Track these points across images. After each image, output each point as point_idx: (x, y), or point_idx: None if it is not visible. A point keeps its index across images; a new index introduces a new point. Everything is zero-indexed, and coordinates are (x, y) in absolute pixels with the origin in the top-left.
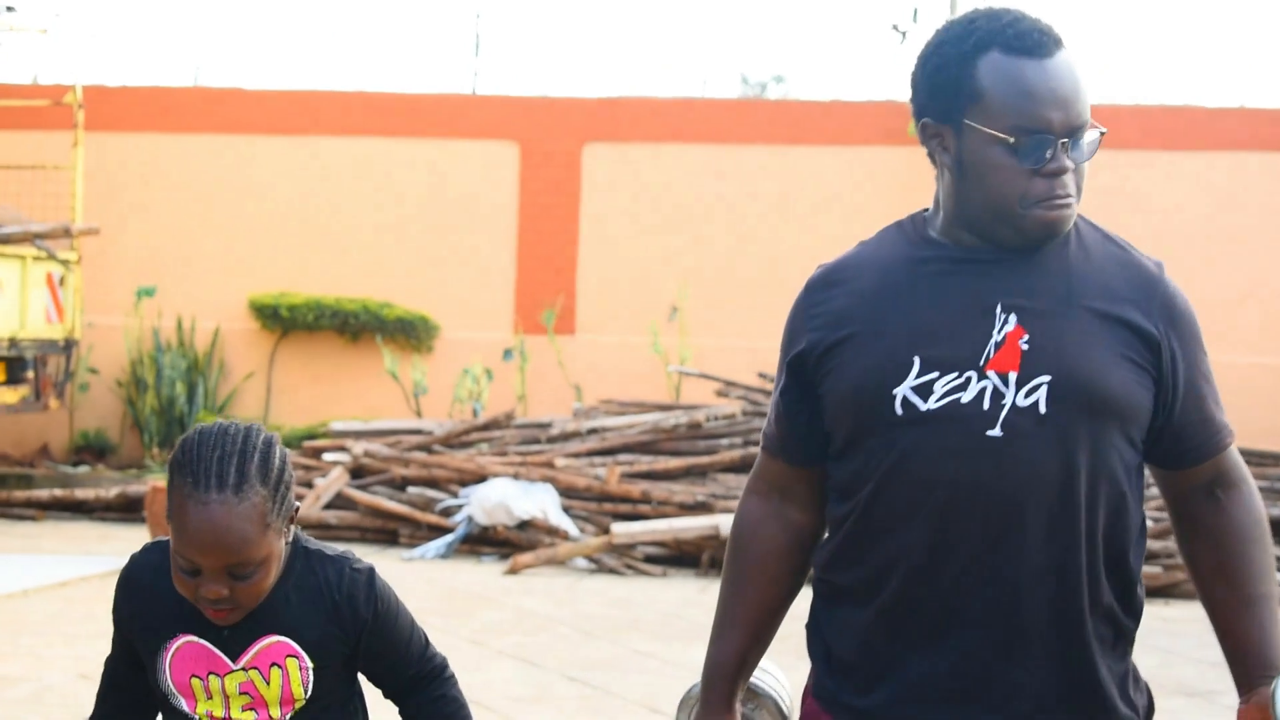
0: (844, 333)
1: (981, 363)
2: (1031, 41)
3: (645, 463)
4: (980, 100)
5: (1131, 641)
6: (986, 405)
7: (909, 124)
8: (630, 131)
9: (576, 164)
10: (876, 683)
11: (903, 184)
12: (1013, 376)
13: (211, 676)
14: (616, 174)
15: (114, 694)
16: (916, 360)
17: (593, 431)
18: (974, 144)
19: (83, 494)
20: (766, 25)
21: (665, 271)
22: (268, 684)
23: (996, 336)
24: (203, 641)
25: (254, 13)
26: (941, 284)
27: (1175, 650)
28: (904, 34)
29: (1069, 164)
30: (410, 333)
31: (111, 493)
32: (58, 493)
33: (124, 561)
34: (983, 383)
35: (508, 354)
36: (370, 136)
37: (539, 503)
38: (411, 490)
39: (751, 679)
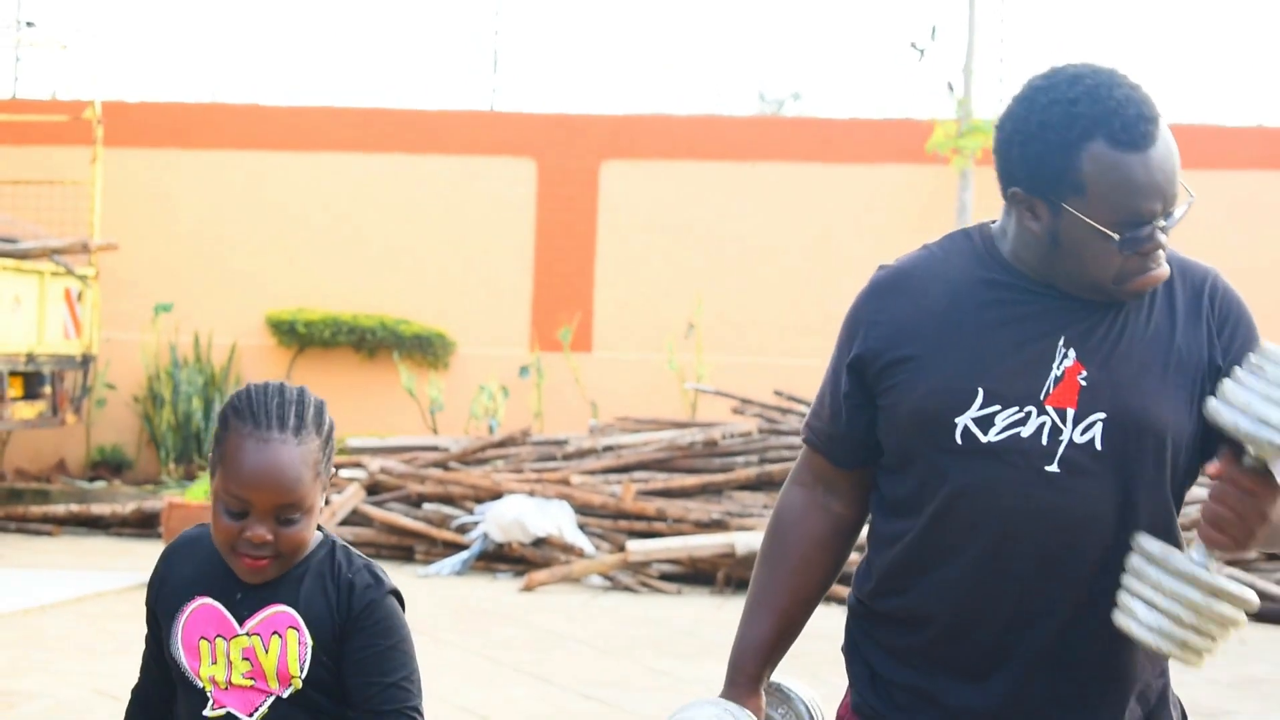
0: (908, 351)
1: (1041, 397)
2: (1137, 134)
3: (661, 480)
4: (1083, 193)
5: (1162, 679)
6: (1045, 441)
7: (927, 142)
8: (648, 149)
9: (594, 181)
10: (925, 705)
11: (921, 202)
12: (1070, 413)
13: (219, 640)
14: (634, 191)
15: (155, 667)
16: (980, 391)
17: (608, 449)
18: (1072, 228)
19: (99, 509)
20: (784, 42)
21: (682, 289)
22: (266, 652)
23: (1056, 371)
24: (216, 604)
25: (272, 29)
26: (1005, 311)
27: (1188, 670)
28: (922, 51)
29: (1164, 239)
30: (427, 349)
31: (128, 508)
32: (74, 508)
33: (141, 577)
34: (1042, 418)
35: (524, 371)
36: (388, 153)
37: (554, 520)
38: (427, 507)
39: (783, 683)
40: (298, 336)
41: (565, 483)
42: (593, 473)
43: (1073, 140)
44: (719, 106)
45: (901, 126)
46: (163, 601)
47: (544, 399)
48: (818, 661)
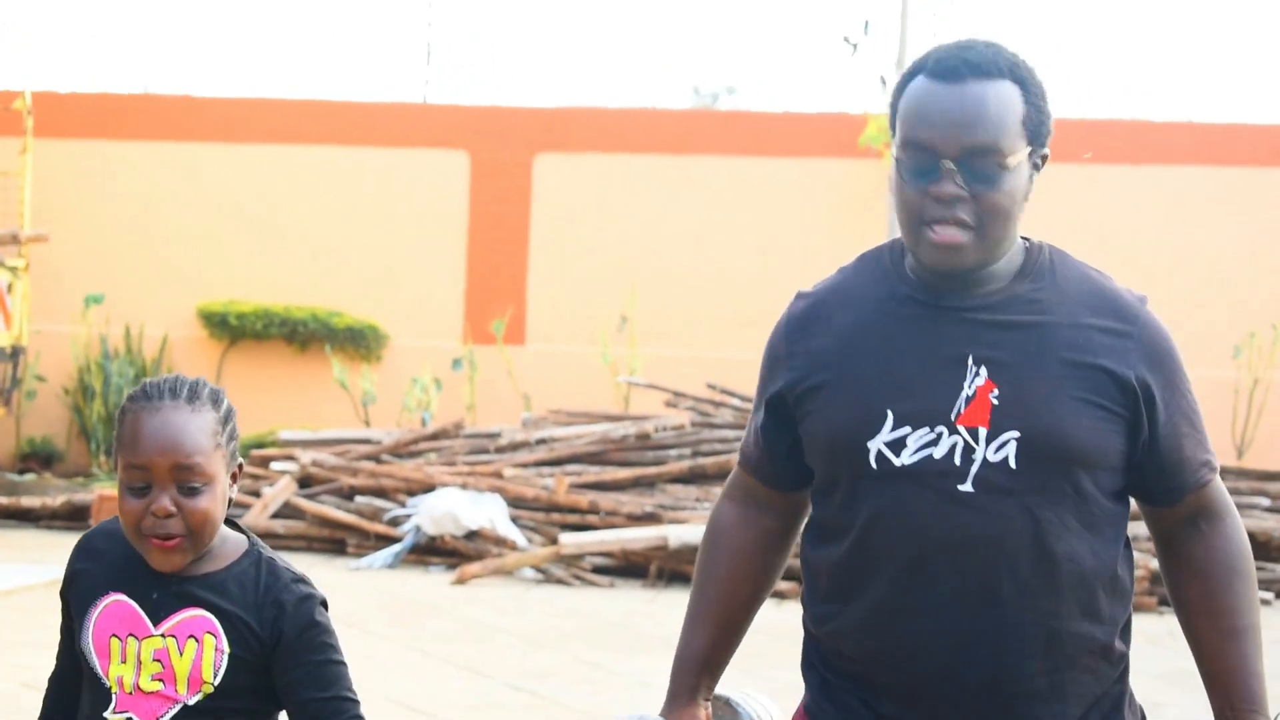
0: (820, 378)
1: (953, 417)
2: (947, 68)
3: (593, 473)
4: (896, 123)
5: (1121, 686)
6: (958, 461)
7: (860, 136)
8: (581, 142)
9: (527, 174)
10: (865, 714)
11: (854, 196)
12: (983, 432)
13: (130, 639)
14: (567, 184)
15: (68, 656)
16: (890, 414)
17: (541, 442)
18: (894, 166)
19: (29, 502)
20: (718, 36)
21: (615, 282)
22: (180, 655)
23: (967, 390)
24: (130, 602)
25: (204, 21)
26: (914, 330)
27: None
28: (855, 46)
29: (955, 189)
30: (359, 342)
31: (58, 501)
32: (3, 501)
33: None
34: (954, 438)
35: (457, 364)
36: (320, 145)
37: (487, 513)
38: (359, 500)
39: (733, 696)
40: (229, 328)
41: (498, 475)
42: (525, 466)
43: (905, 79)
44: (653, 100)
45: (835, 121)
46: (76, 595)
47: (477, 392)
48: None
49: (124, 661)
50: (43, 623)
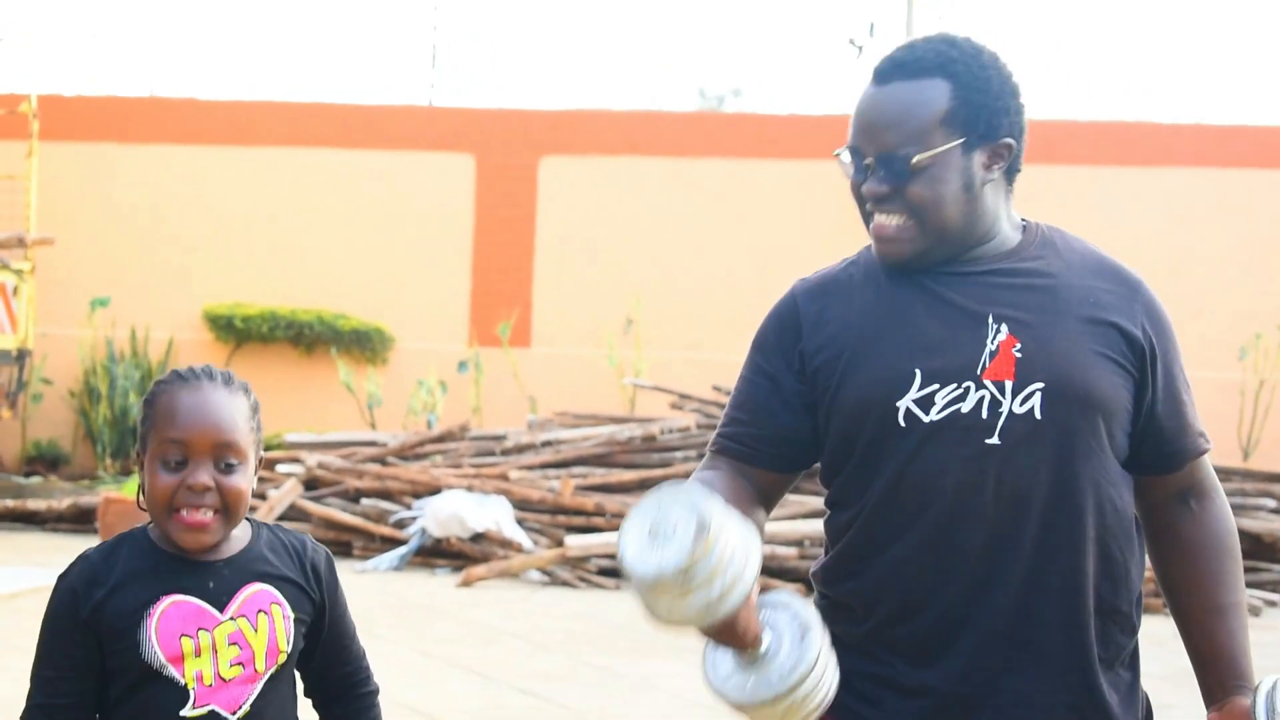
0: (845, 346)
1: (979, 372)
2: (879, 69)
3: (599, 475)
4: None
5: (1134, 652)
6: (985, 414)
7: None
8: (587, 144)
9: (533, 177)
10: (885, 691)
11: None
12: (1008, 385)
13: (201, 633)
14: (573, 187)
15: (74, 682)
16: (918, 372)
17: (547, 444)
18: None
19: (35, 505)
20: (724, 39)
21: (621, 284)
22: (256, 631)
23: (990, 346)
24: (189, 598)
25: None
26: (933, 294)
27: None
28: (860, 48)
29: (878, 186)
30: (365, 344)
31: (64, 504)
32: (9, 503)
33: None
34: (980, 392)
35: (463, 366)
36: (326, 148)
37: (493, 515)
38: (365, 502)
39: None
40: (235, 331)
41: (504, 478)
42: (531, 468)
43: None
44: (659, 102)
45: (841, 123)
46: (114, 621)
47: (482, 394)
48: None
49: (199, 655)
50: None
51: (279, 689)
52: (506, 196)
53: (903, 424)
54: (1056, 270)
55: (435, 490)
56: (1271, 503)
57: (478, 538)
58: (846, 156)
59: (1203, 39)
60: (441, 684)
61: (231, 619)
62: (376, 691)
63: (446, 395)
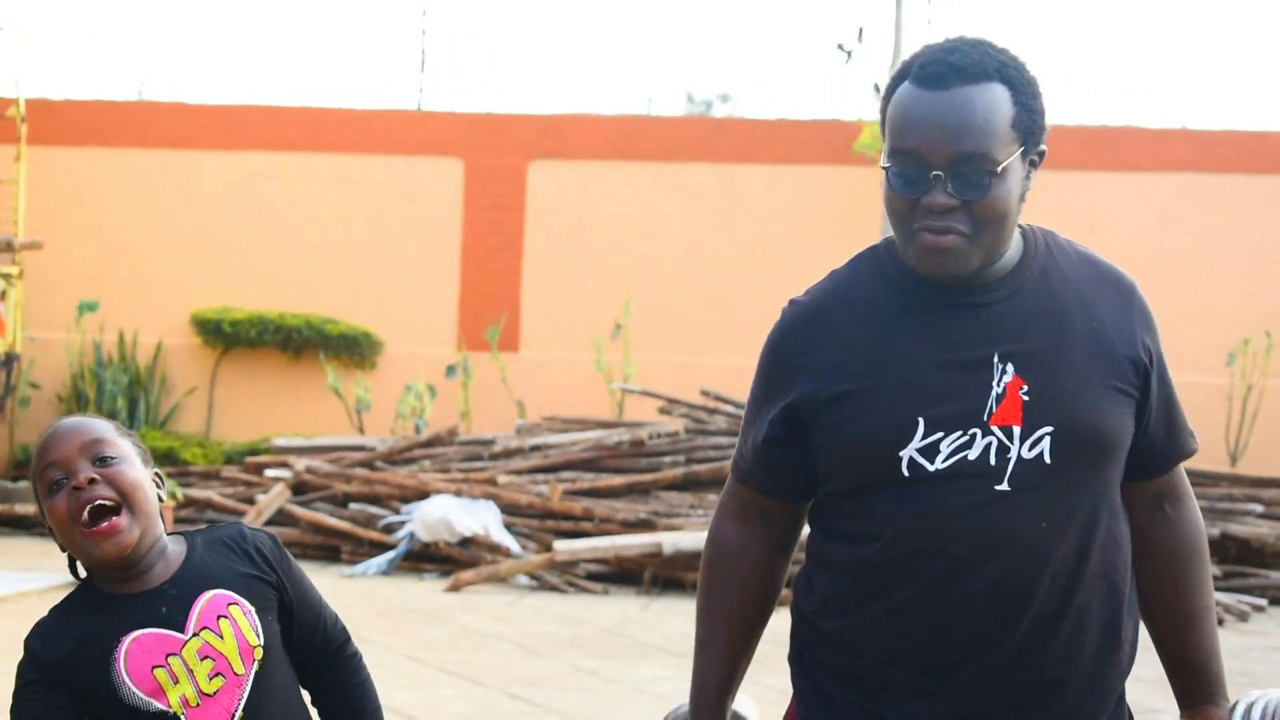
0: (841, 388)
1: (985, 418)
2: (932, 73)
3: (588, 480)
4: (885, 131)
5: (1122, 683)
6: (994, 461)
7: (854, 143)
8: (575, 149)
9: (521, 181)
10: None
11: (848, 203)
12: (1016, 430)
13: (171, 659)
14: (561, 191)
15: None
16: (921, 421)
17: (535, 449)
18: (883, 175)
19: (23, 509)
20: (712, 44)
21: (609, 289)
22: (221, 638)
23: (997, 389)
24: (147, 630)
25: (199, 27)
26: (934, 332)
27: None
28: (849, 53)
29: (945, 199)
30: (353, 349)
31: None
32: None
33: (65, 577)
34: (988, 438)
35: (450, 371)
36: (314, 152)
37: (481, 520)
38: (353, 507)
39: (738, 710)
40: (223, 336)
41: (492, 483)
42: (519, 472)
43: (891, 85)
44: (647, 107)
45: (829, 127)
46: (81, 666)
47: (471, 399)
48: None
49: (177, 682)
50: None
51: (271, 680)
52: (495, 201)
53: (906, 474)
54: (1059, 289)
55: (423, 495)
56: (1259, 508)
57: (466, 542)
58: (899, 167)
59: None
60: (431, 689)
61: (195, 635)
62: (359, 654)
63: (435, 400)
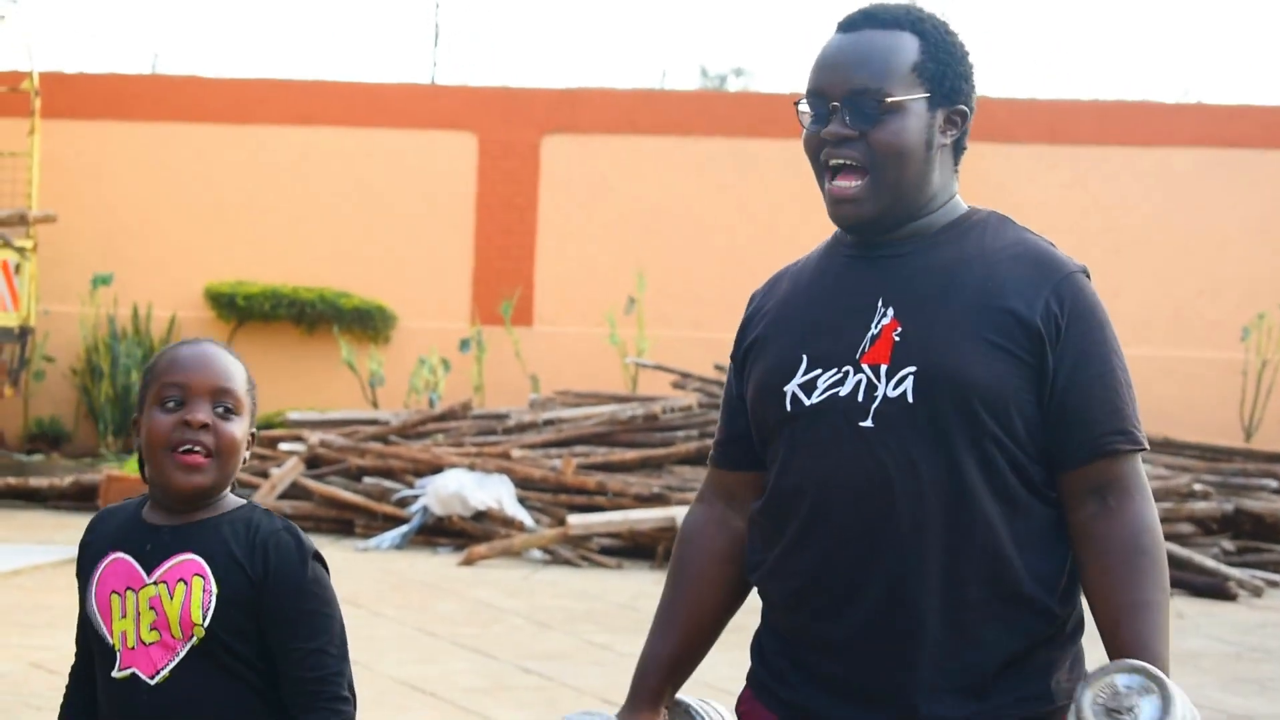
0: (756, 334)
1: (857, 356)
2: (849, 20)
3: (601, 454)
4: None
5: (1054, 638)
6: (860, 397)
7: None
8: (589, 123)
9: (535, 155)
10: (791, 674)
11: None
12: (883, 368)
13: (129, 592)
14: (575, 165)
15: (84, 639)
16: (804, 358)
17: (549, 423)
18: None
19: (37, 482)
20: (726, 18)
21: (623, 263)
22: (171, 599)
23: (873, 330)
24: (127, 557)
25: (212, 1)
26: (836, 281)
27: None
28: None
29: (841, 129)
30: (367, 323)
31: (66, 481)
32: (11, 481)
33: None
34: (858, 376)
35: (464, 345)
36: (329, 126)
37: (494, 494)
38: (367, 480)
39: (692, 703)
40: (237, 309)
41: (505, 457)
42: (533, 447)
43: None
44: (661, 81)
45: None
46: (83, 565)
47: (485, 373)
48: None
49: (124, 616)
50: (51, 603)
51: (208, 666)
52: (509, 175)
53: (789, 408)
54: (969, 255)
55: (437, 469)
56: (1273, 483)
57: (479, 516)
58: (806, 105)
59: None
60: (444, 662)
61: (154, 584)
62: (347, 709)
63: (449, 374)
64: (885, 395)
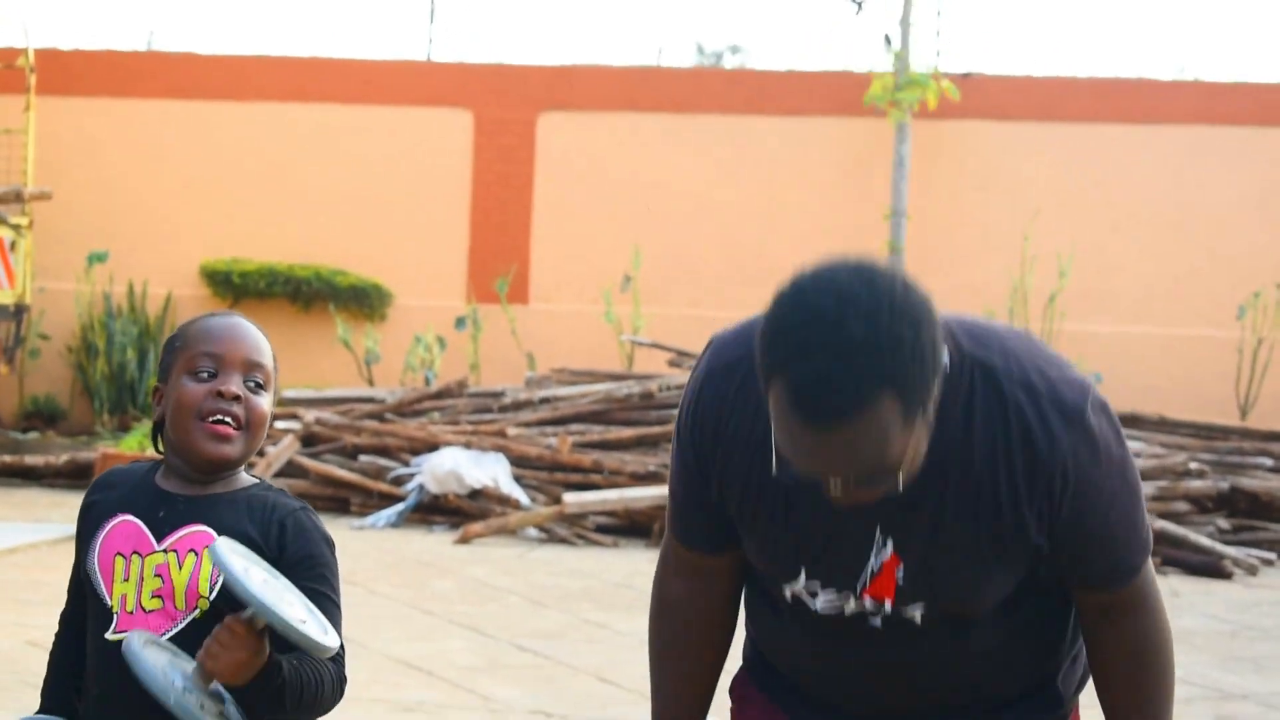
0: (739, 507)
1: (859, 587)
2: (814, 409)
3: (597, 432)
4: (770, 405)
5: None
6: (867, 615)
7: (865, 95)
8: (585, 100)
9: (531, 132)
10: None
11: (858, 154)
12: (888, 603)
13: (135, 556)
14: (571, 142)
15: (78, 593)
16: (803, 570)
17: (545, 401)
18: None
19: (32, 460)
20: None
21: (619, 241)
22: (180, 569)
23: (873, 563)
24: (137, 521)
25: None
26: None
27: None
28: (860, 5)
29: (847, 492)
30: (363, 300)
31: (61, 459)
32: (7, 459)
33: (73, 529)
34: (861, 603)
35: (460, 322)
36: (324, 103)
37: (490, 472)
38: (363, 459)
39: None
40: (233, 287)
41: (501, 435)
42: (529, 425)
43: (766, 376)
44: (658, 58)
45: (839, 79)
46: (88, 523)
47: (480, 351)
48: None
49: (127, 579)
50: (47, 580)
51: (206, 639)
52: (505, 152)
53: (789, 600)
54: (963, 458)
55: (433, 447)
56: (1269, 461)
57: (475, 495)
58: (795, 471)
59: None
60: (439, 640)
61: (163, 551)
62: (343, 688)
63: (445, 352)
64: (894, 617)
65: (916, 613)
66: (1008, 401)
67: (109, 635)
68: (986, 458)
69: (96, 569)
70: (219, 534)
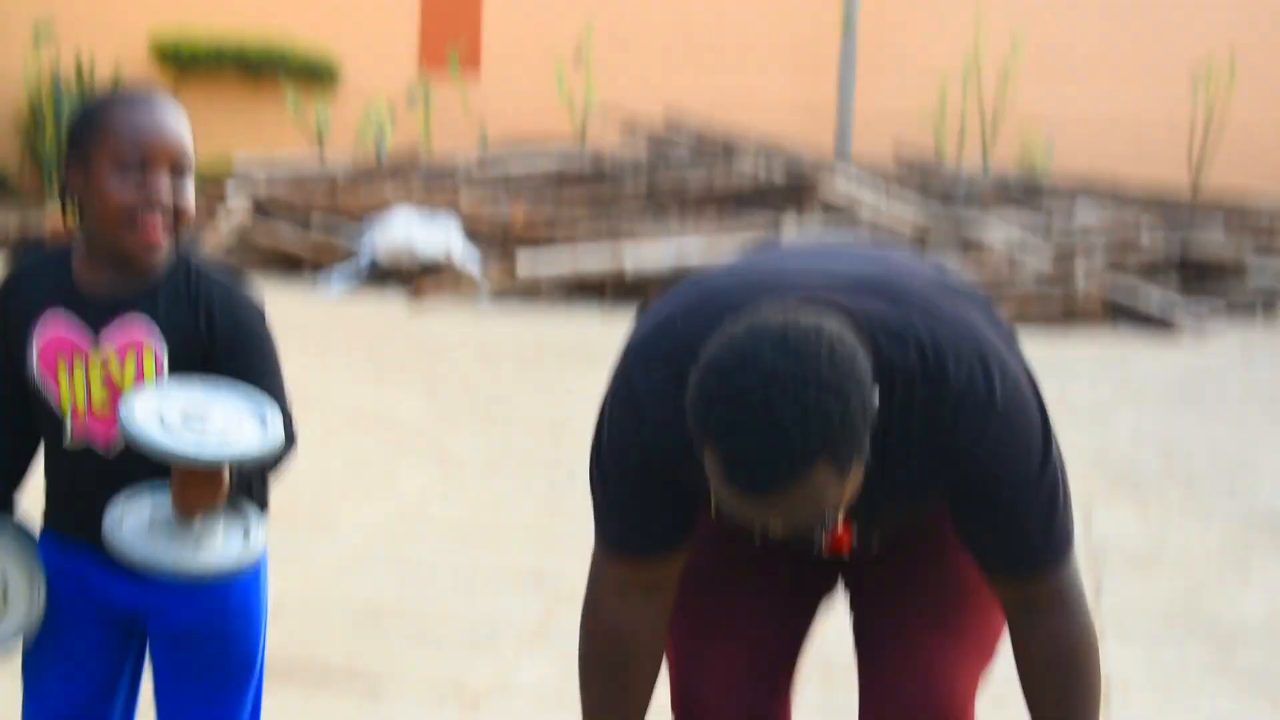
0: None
1: (815, 554)
2: (747, 479)
3: (550, 201)
4: (703, 455)
5: None
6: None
7: None
8: None
9: None
10: None
11: None
12: (845, 554)
13: (77, 359)
14: None
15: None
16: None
17: (498, 171)
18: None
19: None
20: None
21: (572, 11)
22: (122, 370)
23: (826, 539)
24: (70, 315)
25: None
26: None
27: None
28: None
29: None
30: (314, 73)
31: (11, 224)
32: None
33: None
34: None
35: (412, 101)
36: None
37: (443, 238)
38: (315, 223)
39: None
40: (182, 60)
41: (454, 205)
42: (483, 195)
43: (700, 436)
44: None
45: None
46: (14, 323)
47: (433, 122)
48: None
49: (71, 383)
50: None
51: None
52: None
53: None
54: (890, 455)
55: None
56: (1219, 229)
57: (428, 266)
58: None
59: None
60: (394, 395)
61: (103, 355)
62: (294, 444)
63: (396, 124)
64: (855, 553)
65: (874, 541)
66: (926, 400)
67: (67, 445)
68: (911, 455)
69: (39, 374)
70: (151, 319)
